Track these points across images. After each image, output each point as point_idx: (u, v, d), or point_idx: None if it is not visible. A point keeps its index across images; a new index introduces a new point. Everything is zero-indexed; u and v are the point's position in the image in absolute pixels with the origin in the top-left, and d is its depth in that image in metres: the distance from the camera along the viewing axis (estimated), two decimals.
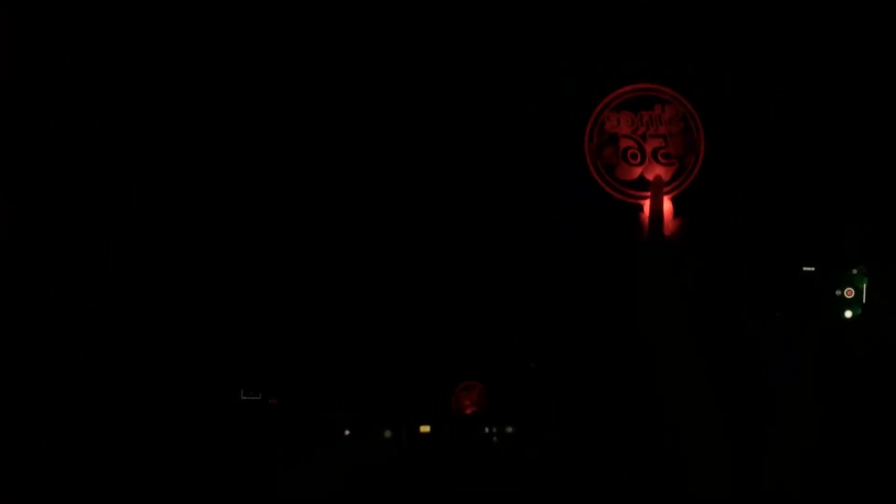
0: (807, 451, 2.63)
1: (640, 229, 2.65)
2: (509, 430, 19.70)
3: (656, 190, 2.67)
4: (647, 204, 2.75)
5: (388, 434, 22.08)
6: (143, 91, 14.75)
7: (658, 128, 3.30)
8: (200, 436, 13.61)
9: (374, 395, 20.80)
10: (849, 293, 2.84)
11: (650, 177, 2.96)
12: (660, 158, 3.11)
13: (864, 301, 2.87)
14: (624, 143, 3.19)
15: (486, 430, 19.78)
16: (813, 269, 2.90)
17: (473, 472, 16.36)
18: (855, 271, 2.91)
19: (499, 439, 20.01)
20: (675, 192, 3.00)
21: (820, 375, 3.13)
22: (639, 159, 3.10)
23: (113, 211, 13.99)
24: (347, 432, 21.57)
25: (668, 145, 3.15)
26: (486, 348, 19.60)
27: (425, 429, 21.21)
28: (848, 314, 2.87)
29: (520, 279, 18.69)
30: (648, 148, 3.13)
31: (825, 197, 18.77)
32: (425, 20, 16.51)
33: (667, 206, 2.66)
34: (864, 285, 2.87)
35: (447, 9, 16.27)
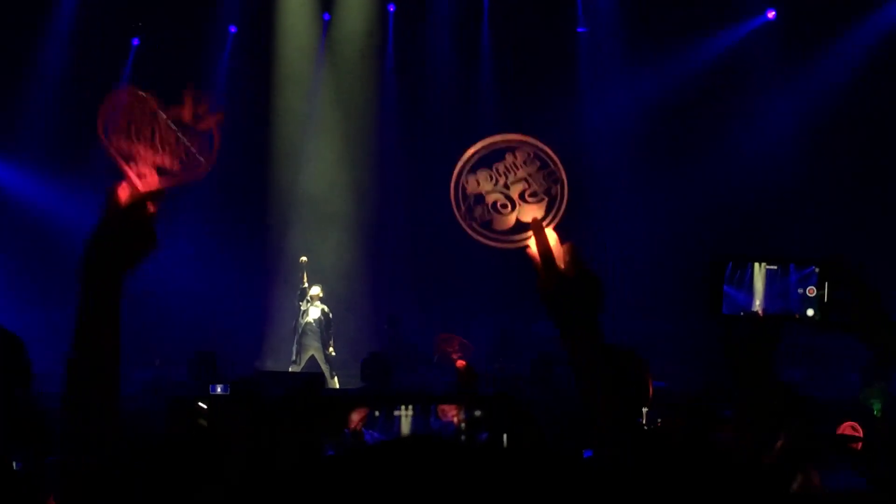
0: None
1: (535, 266, 2.52)
2: None
3: (535, 227, 2.52)
4: (531, 243, 2.61)
5: None
6: None
7: (516, 172, 3.16)
8: None
9: None
10: (811, 292, 2.70)
11: (526, 219, 2.81)
12: (528, 199, 2.96)
13: (825, 300, 2.72)
14: (490, 198, 3.04)
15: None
16: (776, 267, 2.73)
17: None
18: (817, 270, 2.76)
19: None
20: (553, 223, 2.84)
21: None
22: (509, 207, 2.94)
23: None
24: None
25: (532, 184, 3.00)
26: None
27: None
28: (810, 312, 2.72)
29: None
30: (514, 194, 2.98)
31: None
32: None
33: (552, 237, 2.50)
34: (827, 284, 2.74)
35: None
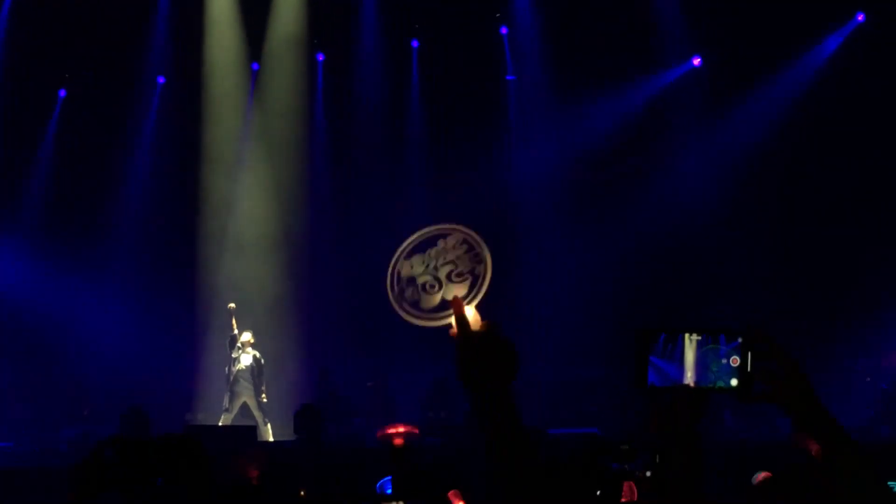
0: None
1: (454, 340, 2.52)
2: None
3: (456, 305, 2.53)
4: (452, 321, 2.62)
5: None
6: None
7: (446, 256, 3.15)
8: None
9: None
10: (735, 362, 2.73)
11: (449, 297, 2.80)
12: (454, 279, 2.94)
13: (748, 370, 2.75)
14: (420, 280, 3.02)
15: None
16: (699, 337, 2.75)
17: None
18: (740, 340, 2.79)
19: None
20: (475, 300, 2.83)
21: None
22: (436, 287, 2.93)
23: None
24: None
25: (458, 266, 2.99)
26: None
27: None
28: (734, 382, 2.75)
29: None
30: (442, 275, 2.97)
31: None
32: None
33: (470, 313, 2.51)
34: (749, 354, 2.76)
35: None
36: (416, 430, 9.92)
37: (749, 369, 2.99)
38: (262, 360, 18.14)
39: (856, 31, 19.02)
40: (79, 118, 20.58)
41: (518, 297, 18.57)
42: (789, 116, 18.89)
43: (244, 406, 17.94)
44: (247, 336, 18.14)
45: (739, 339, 3.00)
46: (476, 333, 2.72)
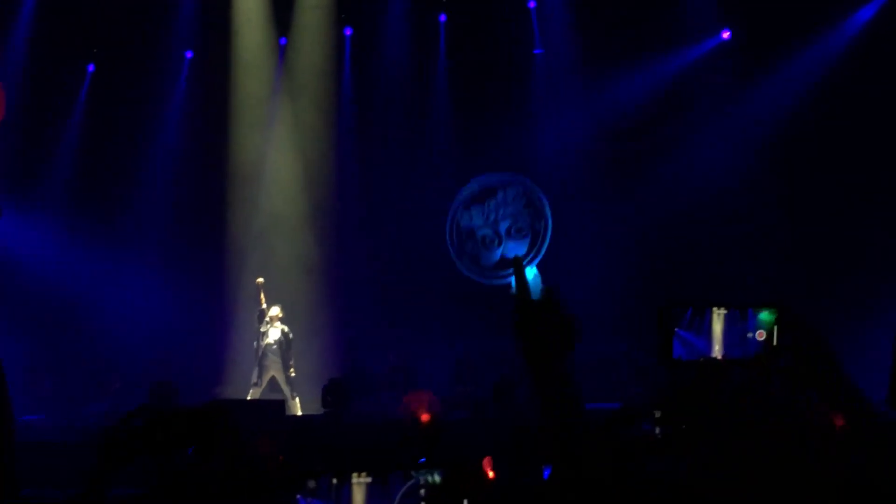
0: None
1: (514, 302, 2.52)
2: None
3: (516, 265, 2.53)
4: (512, 280, 2.63)
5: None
6: None
7: (506, 210, 3.12)
8: None
9: None
10: (761, 335, 2.71)
11: (509, 255, 2.82)
12: (513, 234, 2.92)
13: (774, 343, 2.75)
14: (480, 232, 3.01)
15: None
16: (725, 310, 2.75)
17: None
18: (765, 312, 2.78)
19: None
20: (534, 258, 2.80)
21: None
22: (496, 242, 2.92)
23: None
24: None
25: (518, 221, 2.97)
26: None
27: None
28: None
29: None
30: (502, 229, 2.96)
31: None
32: None
33: (531, 274, 2.48)
34: (775, 328, 2.75)
35: None
36: (434, 397, 9.85)
37: (775, 343, 3.00)
38: (291, 335, 18.20)
39: (888, 4, 18.83)
40: (107, 93, 20.63)
41: (541, 270, 18.55)
42: (818, 91, 18.75)
43: (273, 380, 18.02)
44: (275, 310, 18.20)
45: (766, 314, 3.01)
46: (537, 300, 2.68)
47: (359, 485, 3.22)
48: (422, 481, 3.22)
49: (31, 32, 20.13)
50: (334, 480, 3.23)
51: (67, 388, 18.64)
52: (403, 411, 9.48)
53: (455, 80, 20.93)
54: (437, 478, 3.21)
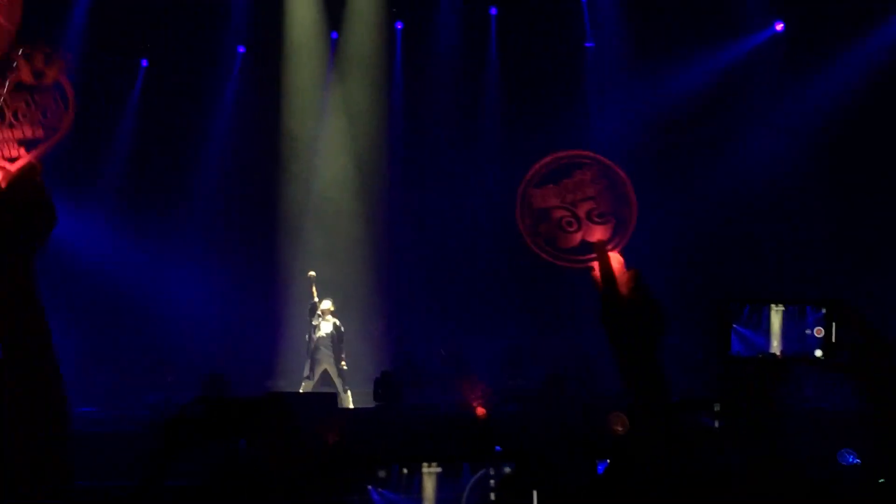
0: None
1: (598, 289, 2.52)
2: None
3: (599, 251, 2.53)
4: (595, 266, 2.62)
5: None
6: None
7: (584, 191, 3.14)
8: None
9: None
10: (819, 332, 2.71)
11: (591, 239, 2.81)
12: (595, 219, 2.94)
13: (832, 341, 2.75)
14: (556, 214, 3.02)
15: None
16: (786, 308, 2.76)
17: None
18: (824, 311, 2.78)
19: None
20: (619, 247, 2.84)
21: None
22: (575, 226, 2.93)
23: None
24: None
25: (600, 205, 2.99)
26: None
27: None
28: (818, 353, 2.74)
29: None
30: (581, 212, 2.97)
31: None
32: None
33: (616, 262, 2.50)
34: (833, 325, 2.75)
35: None
36: (488, 388, 9.79)
37: (833, 340, 2.99)
38: (343, 328, 18.26)
39: None
40: (160, 88, 20.78)
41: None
42: (872, 84, 18.59)
43: (325, 373, 18.08)
44: (327, 304, 18.25)
45: (824, 311, 3.00)
46: (624, 287, 2.66)
47: (429, 475, 3.22)
48: (492, 472, 3.22)
49: (86, 29, 20.29)
50: (405, 470, 3.23)
51: (122, 380, 18.79)
52: (459, 400, 9.46)
53: (506, 73, 20.93)
54: (506, 469, 3.22)
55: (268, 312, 20.52)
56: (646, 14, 19.68)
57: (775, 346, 3.01)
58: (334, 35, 21.35)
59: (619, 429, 7.25)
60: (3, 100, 2.86)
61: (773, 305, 3.04)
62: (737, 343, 3.04)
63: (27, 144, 2.88)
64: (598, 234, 3.15)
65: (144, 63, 21.10)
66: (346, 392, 17.79)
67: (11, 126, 2.89)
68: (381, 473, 3.20)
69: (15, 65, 2.92)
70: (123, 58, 20.81)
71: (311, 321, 18.26)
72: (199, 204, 20.88)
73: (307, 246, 20.73)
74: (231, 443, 3.64)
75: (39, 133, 2.91)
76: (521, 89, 20.61)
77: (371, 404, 15.18)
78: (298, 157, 21.29)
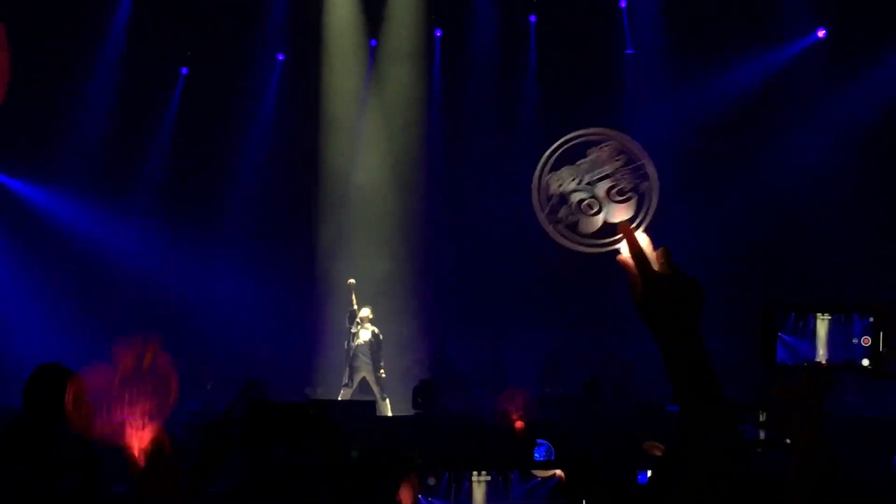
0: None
1: (628, 273, 2.43)
2: None
3: (625, 230, 2.46)
4: (623, 247, 2.53)
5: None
6: None
7: (602, 170, 3.06)
8: None
9: None
10: (866, 341, 2.67)
11: (614, 220, 2.74)
12: (616, 197, 2.87)
13: (880, 350, 2.71)
14: (575, 197, 2.95)
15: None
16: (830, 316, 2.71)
17: None
18: (871, 319, 2.74)
19: None
20: (644, 223, 2.76)
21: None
22: (595, 207, 2.86)
23: None
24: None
25: (619, 182, 2.92)
26: None
27: None
28: (865, 362, 2.70)
29: None
30: (600, 192, 2.90)
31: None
32: None
33: (644, 240, 2.43)
34: (881, 333, 2.71)
35: None
36: (530, 398, 9.65)
37: (881, 349, 2.94)
38: (381, 336, 18.26)
39: None
40: (200, 95, 20.87)
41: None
42: None
43: (363, 381, 18.09)
44: (366, 311, 18.26)
45: (871, 319, 2.95)
46: (656, 265, 2.58)
47: (478, 483, 3.18)
48: (541, 481, 3.18)
49: (127, 37, 20.41)
50: (453, 478, 3.19)
51: None
52: (498, 413, 9.36)
53: (545, 81, 20.90)
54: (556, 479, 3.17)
55: (306, 320, 20.56)
56: (686, 21, 19.62)
57: (821, 354, 2.96)
58: (373, 42, 21.39)
59: (657, 452, 7.20)
60: (121, 386, 3.19)
61: (818, 314, 2.99)
62: (782, 351, 2.99)
63: (145, 417, 3.20)
64: (620, 213, 3.07)
65: (184, 71, 21.20)
66: (384, 400, 17.78)
67: (131, 406, 3.17)
68: (431, 481, 3.16)
69: (130, 361, 3.26)
70: (164, 66, 20.93)
71: (349, 329, 18.28)
72: (238, 211, 20.96)
73: (346, 253, 20.75)
74: (271, 449, 3.62)
75: (153, 409, 3.20)
76: (559, 96, 20.56)
77: (410, 412, 15.13)
78: (336, 165, 21.34)
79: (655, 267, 2.53)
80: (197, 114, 20.96)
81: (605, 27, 20.64)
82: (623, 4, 20.58)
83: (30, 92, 19.48)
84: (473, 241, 20.60)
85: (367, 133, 21.47)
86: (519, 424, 8.88)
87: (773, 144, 19.34)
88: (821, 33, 19.44)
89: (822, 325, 2.97)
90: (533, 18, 20.95)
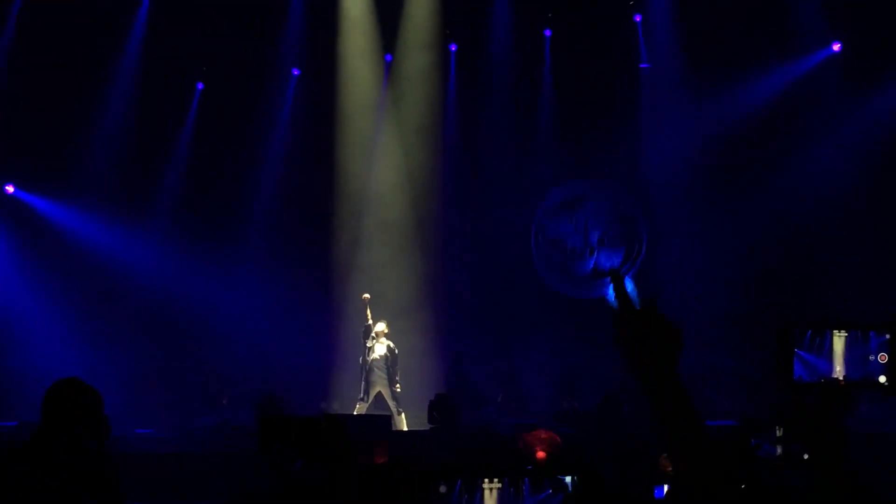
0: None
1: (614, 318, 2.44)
2: None
3: (613, 274, 2.47)
4: (609, 291, 2.55)
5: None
6: None
7: (596, 217, 3.01)
8: None
9: None
10: (883, 358, 2.67)
11: (604, 264, 2.71)
12: (606, 244, 2.83)
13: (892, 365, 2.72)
14: (571, 242, 2.91)
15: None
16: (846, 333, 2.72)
17: None
18: (888, 336, 2.75)
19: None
20: (631, 270, 2.71)
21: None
22: (588, 252, 2.83)
23: None
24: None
25: (610, 229, 2.88)
26: None
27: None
28: (882, 378, 2.71)
29: None
30: (594, 238, 2.86)
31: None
32: None
33: (629, 286, 2.43)
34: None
35: None
36: (559, 440, 9.61)
37: None
38: (397, 351, 18.26)
39: None
40: (216, 110, 20.91)
41: (647, 283, 18.43)
42: None
43: (379, 396, 18.09)
44: (381, 326, 18.27)
45: (887, 336, 2.94)
46: (638, 310, 2.62)
47: (490, 490, 3.18)
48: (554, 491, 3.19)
49: (142, 52, 20.47)
50: (464, 486, 3.20)
51: (178, 400, 18.86)
52: (522, 447, 9.31)
53: (561, 95, 20.88)
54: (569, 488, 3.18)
55: (322, 334, 20.55)
56: (701, 35, 19.61)
57: (838, 371, 2.96)
58: (388, 57, 21.42)
59: (670, 469, 7.21)
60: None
61: (835, 331, 2.99)
62: (799, 368, 2.99)
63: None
64: (609, 259, 3.09)
65: (200, 86, 21.24)
66: (400, 414, 17.77)
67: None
68: (442, 489, 3.17)
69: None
70: (179, 81, 20.98)
71: (365, 343, 18.29)
72: (253, 226, 20.98)
73: (361, 267, 20.76)
74: (287, 462, 3.63)
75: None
76: (576, 111, 20.57)
77: (426, 427, 15.13)
78: (353, 179, 21.35)
79: (638, 312, 2.57)
80: (213, 128, 21.01)
81: (620, 41, 20.63)
82: (638, 18, 20.57)
83: (47, 108, 19.62)
84: (490, 254, 20.59)
85: (382, 147, 21.48)
86: (541, 454, 8.85)
87: (789, 158, 19.30)
88: (836, 47, 19.41)
89: (838, 342, 2.97)
90: (548, 33, 20.96)
